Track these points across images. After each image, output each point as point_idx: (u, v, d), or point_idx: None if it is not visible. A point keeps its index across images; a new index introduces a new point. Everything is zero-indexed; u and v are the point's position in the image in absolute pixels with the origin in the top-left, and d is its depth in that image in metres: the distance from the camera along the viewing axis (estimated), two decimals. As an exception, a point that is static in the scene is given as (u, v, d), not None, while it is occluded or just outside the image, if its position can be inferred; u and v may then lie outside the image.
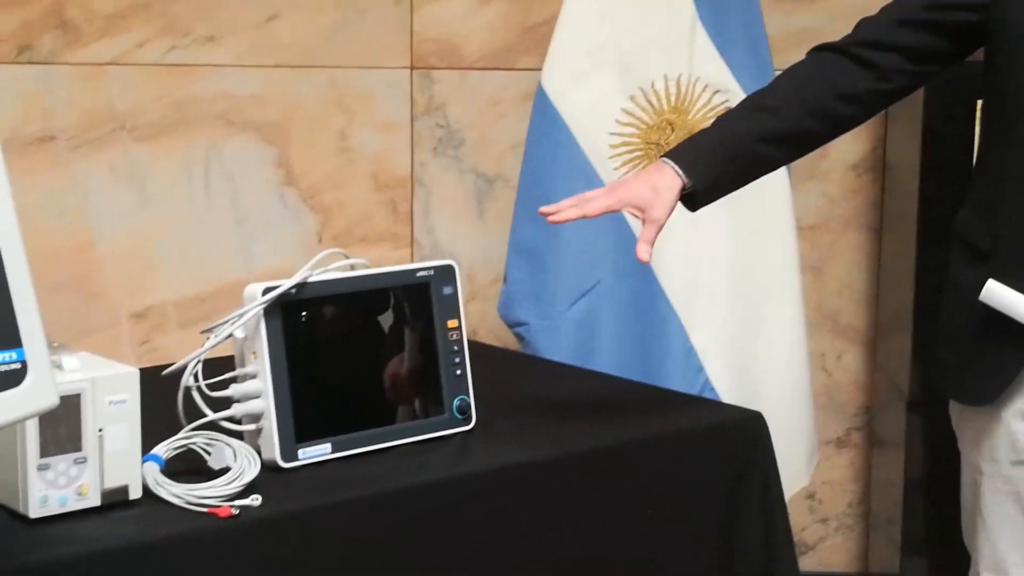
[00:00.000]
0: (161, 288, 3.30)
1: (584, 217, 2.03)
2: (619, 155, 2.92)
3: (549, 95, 2.91)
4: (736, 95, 2.89)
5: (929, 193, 2.84)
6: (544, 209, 2.04)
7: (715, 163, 2.07)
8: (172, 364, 1.86)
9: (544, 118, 2.92)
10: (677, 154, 2.08)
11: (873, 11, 3.17)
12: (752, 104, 2.14)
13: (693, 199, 2.08)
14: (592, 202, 2.04)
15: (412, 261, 3.36)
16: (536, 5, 3.31)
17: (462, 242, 3.42)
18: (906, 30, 2.09)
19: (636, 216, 2.05)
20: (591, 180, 2.88)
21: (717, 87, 2.91)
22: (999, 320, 2.03)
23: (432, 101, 3.37)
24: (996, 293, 2.01)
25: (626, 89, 2.90)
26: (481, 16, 3.33)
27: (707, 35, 2.88)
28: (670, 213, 2.05)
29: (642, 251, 2.03)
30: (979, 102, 2.72)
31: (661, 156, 2.09)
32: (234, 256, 3.34)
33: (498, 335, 3.30)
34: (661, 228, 2.04)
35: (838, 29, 3.21)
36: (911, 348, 2.97)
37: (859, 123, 2.18)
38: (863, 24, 2.15)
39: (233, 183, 3.32)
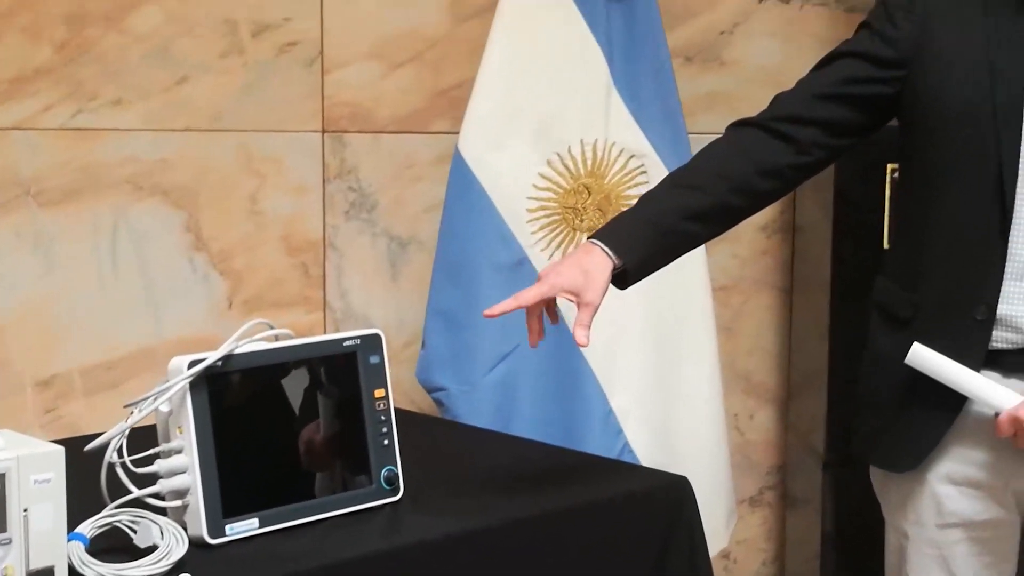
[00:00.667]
0: (67, 355, 3.23)
1: (519, 308, 2.03)
2: (536, 219, 2.93)
3: (466, 160, 2.91)
4: (651, 159, 2.92)
5: (841, 254, 2.89)
6: (485, 312, 2.03)
7: (643, 242, 2.08)
8: (79, 434, 1.82)
9: (461, 183, 2.92)
10: (605, 235, 2.09)
11: (776, 77, 3.27)
12: (676, 182, 2.16)
13: (623, 278, 2.09)
14: (526, 293, 2.05)
15: (325, 325, 3.34)
16: (448, 69, 3.32)
17: (376, 305, 3.39)
18: (823, 104, 2.13)
19: (570, 300, 2.04)
20: (509, 244, 2.89)
21: (632, 152, 2.93)
22: (922, 385, 2.06)
23: (344, 164, 3.35)
24: (921, 356, 2.04)
25: (543, 154, 2.92)
26: (393, 80, 3.33)
27: (622, 100, 2.91)
28: (603, 294, 2.05)
29: (580, 335, 2.03)
30: (889, 166, 2.80)
31: (589, 237, 2.10)
32: (142, 322, 3.29)
33: (413, 399, 3.28)
34: (596, 310, 2.04)
35: (744, 93, 3.29)
36: (825, 407, 3.00)
37: (780, 196, 2.22)
38: (780, 99, 2.18)
39: (141, 248, 3.27)
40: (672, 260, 2.16)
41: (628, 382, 2.95)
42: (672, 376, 2.98)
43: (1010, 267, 2.04)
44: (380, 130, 3.34)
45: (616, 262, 2.06)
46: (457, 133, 3.27)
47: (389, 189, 3.37)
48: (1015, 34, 2.03)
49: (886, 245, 2.84)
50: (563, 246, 2.94)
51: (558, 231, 2.94)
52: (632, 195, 2.94)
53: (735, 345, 3.42)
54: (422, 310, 3.30)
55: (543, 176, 2.92)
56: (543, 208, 2.93)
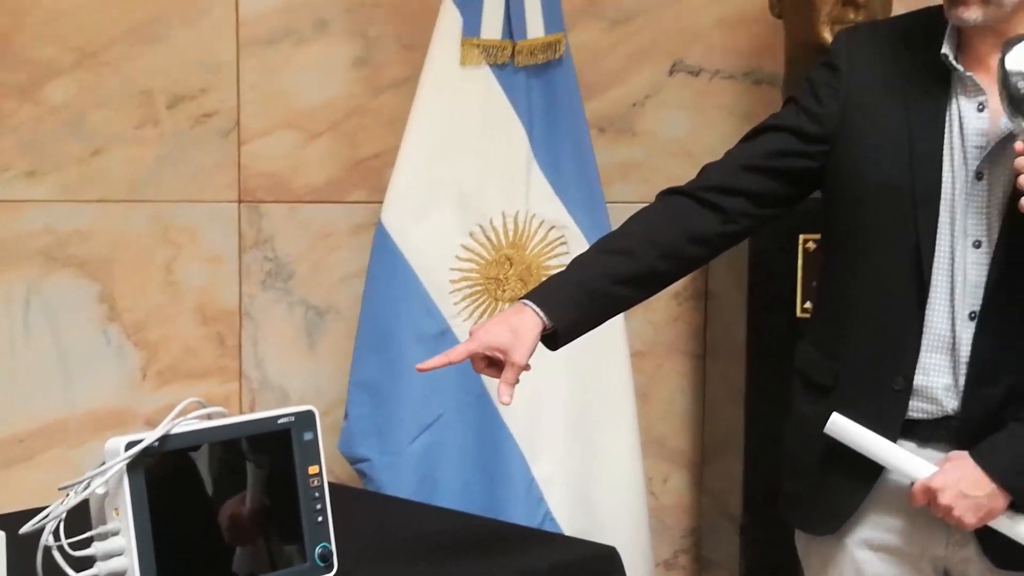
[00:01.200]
0: (-22, 428, 3.19)
1: (449, 363, 2.05)
2: (459, 290, 2.96)
3: (389, 231, 2.93)
4: (571, 231, 2.96)
5: (755, 321, 2.95)
6: (420, 366, 2.07)
7: (574, 305, 2.12)
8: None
9: (384, 254, 2.94)
10: (537, 296, 2.12)
11: (687, 147, 3.34)
12: (607, 247, 2.21)
13: (553, 339, 2.12)
14: (455, 349, 2.07)
15: (240, 395, 3.33)
16: (365, 139, 3.34)
17: (292, 375, 3.39)
18: (750, 176, 2.19)
19: (498, 359, 2.07)
20: (432, 315, 2.91)
21: (553, 223, 2.98)
22: (841, 452, 2.12)
23: (261, 234, 3.36)
24: (839, 426, 2.10)
25: (465, 225, 2.95)
26: (310, 150, 3.35)
27: (542, 172, 2.95)
28: (531, 355, 2.08)
29: (504, 393, 2.06)
30: (801, 236, 2.87)
31: (520, 298, 2.13)
32: (55, 394, 3.25)
33: (331, 468, 3.27)
34: (522, 370, 2.06)
35: (656, 163, 3.36)
36: (742, 470, 3.05)
37: (707, 262, 2.27)
38: (708, 169, 2.24)
39: (54, 320, 3.24)
40: (601, 323, 2.19)
41: (550, 450, 2.98)
42: (593, 443, 3.02)
43: (927, 339, 2.10)
44: (297, 200, 3.35)
45: (546, 323, 2.09)
46: (375, 203, 3.29)
47: (306, 258, 3.38)
48: (932, 115, 2.10)
49: (799, 313, 2.90)
50: (485, 316, 2.97)
51: (480, 302, 2.97)
52: (553, 266, 2.98)
53: (649, 410, 3.47)
54: (339, 379, 3.31)
55: (465, 247, 2.95)
56: (465, 279, 2.96)
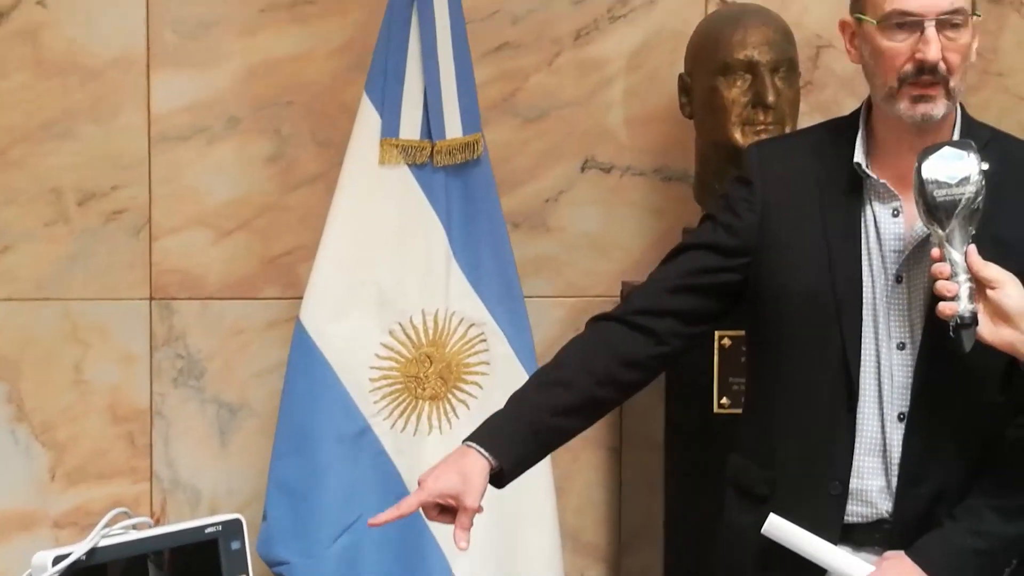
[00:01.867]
0: None
1: (401, 516, 2.06)
2: (379, 388, 2.95)
3: (308, 330, 2.92)
4: (490, 327, 2.98)
5: (672, 416, 2.97)
6: (372, 521, 2.07)
7: (518, 442, 2.13)
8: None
9: (303, 352, 2.93)
10: (480, 436, 2.12)
11: (599, 241, 3.38)
12: (544, 379, 2.22)
13: (500, 478, 2.12)
14: (406, 501, 2.07)
15: (151, 496, 3.28)
16: (279, 236, 3.34)
17: (204, 474, 3.35)
18: (675, 296, 2.22)
19: (450, 504, 2.07)
20: (351, 414, 2.90)
21: (472, 321, 2.99)
22: (780, 554, 2.14)
23: (172, 331, 3.33)
24: (777, 527, 2.12)
25: (385, 324, 2.95)
26: (222, 247, 3.33)
27: (461, 270, 2.96)
28: (482, 497, 2.08)
29: (460, 539, 2.06)
30: (717, 333, 2.91)
31: (463, 441, 2.13)
32: (-40, 497, 3.18)
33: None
34: (476, 513, 2.07)
35: (569, 258, 3.39)
36: (662, 562, 3.06)
37: (644, 385, 2.29)
38: (635, 294, 2.28)
39: (-40, 421, 3.18)
40: (546, 455, 2.22)
41: (471, 549, 2.95)
42: (513, 540, 3.01)
43: (859, 442, 2.14)
44: (209, 296, 3.33)
45: (493, 463, 2.09)
46: (288, 299, 3.29)
47: (218, 355, 3.35)
48: (848, 221, 2.16)
49: (716, 409, 2.94)
50: (406, 415, 2.97)
51: (400, 400, 2.96)
52: (472, 363, 2.99)
53: (564, 504, 3.46)
54: (252, 478, 3.29)
55: (385, 346, 2.95)
56: (385, 377, 2.95)
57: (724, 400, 2.95)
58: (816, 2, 3.40)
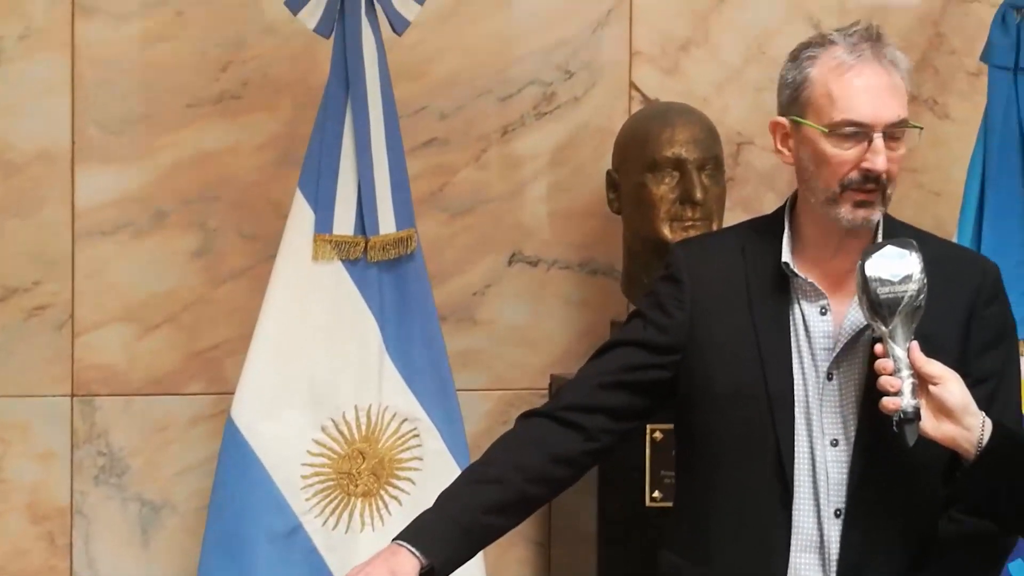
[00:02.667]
0: None
1: None
2: (311, 486, 2.92)
3: (239, 427, 2.89)
4: (424, 423, 2.96)
5: (605, 510, 2.98)
6: None
7: (449, 541, 2.11)
8: None
9: (234, 451, 2.89)
10: (411, 536, 2.10)
11: (526, 334, 3.40)
12: (474, 477, 2.21)
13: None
14: None
15: (71, 597, 3.21)
16: (204, 330, 3.31)
17: (126, 574, 3.28)
18: (605, 392, 2.23)
19: None
20: (283, 512, 2.87)
21: (405, 416, 2.97)
22: None
23: (94, 428, 3.27)
24: None
25: (317, 420, 2.92)
26: (146, 342, 3.29)
27: (394, 365, 2.95)
28: None
29: None
30: (648, 426, 2.93)
31: (394, 539, 2.11)
32: None
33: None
34: None
35: (496, 351, 3.40)
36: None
37: (575, 481, 2.28)
38: (565, 389, 2.28)
39: None
40: (477, 552, 2.21)
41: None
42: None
43: (796, 539, 2.15)
44: (133, 392, 3.28)
45: (423, 563, 2.07)
46: (213, 394, 3.26)
47: (141, 452, 3.29)
48: (777, 319, 2.18)
49: (648, 503, 2.95)
50: (337, 512, 2.93)
51: (332, 497, 2.93)
52: (405, 459, 2.97)
53: (492, 599, 3.45)
54: (176, 577, 3.24)
55: (317, 442, 2.93)
56: (317, 475, 2.92)
57: (656, 493, 2.96)
58: (736, 100, 3.49)
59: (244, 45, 3.31)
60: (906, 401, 1.98)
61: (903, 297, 2.00)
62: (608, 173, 3.19)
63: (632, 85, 3.48)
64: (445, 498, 2.18)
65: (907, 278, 2.00)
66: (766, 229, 2.25)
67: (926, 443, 2.02)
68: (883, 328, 2.01)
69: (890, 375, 2.00)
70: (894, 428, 1.98)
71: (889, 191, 2.13)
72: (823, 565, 2.14)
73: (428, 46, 3.37)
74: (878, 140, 2.09)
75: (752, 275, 2.21)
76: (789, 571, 2.15)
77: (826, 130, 2.10)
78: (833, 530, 2.14)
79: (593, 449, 2.23)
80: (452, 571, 2.14)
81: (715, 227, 3.05)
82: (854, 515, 2.13)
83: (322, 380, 2.92)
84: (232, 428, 2.89)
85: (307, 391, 2.92)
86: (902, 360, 2.00)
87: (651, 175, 3.05)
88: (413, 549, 2.07)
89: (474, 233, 3.41)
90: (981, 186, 3.13)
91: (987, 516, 2.08)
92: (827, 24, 3.50)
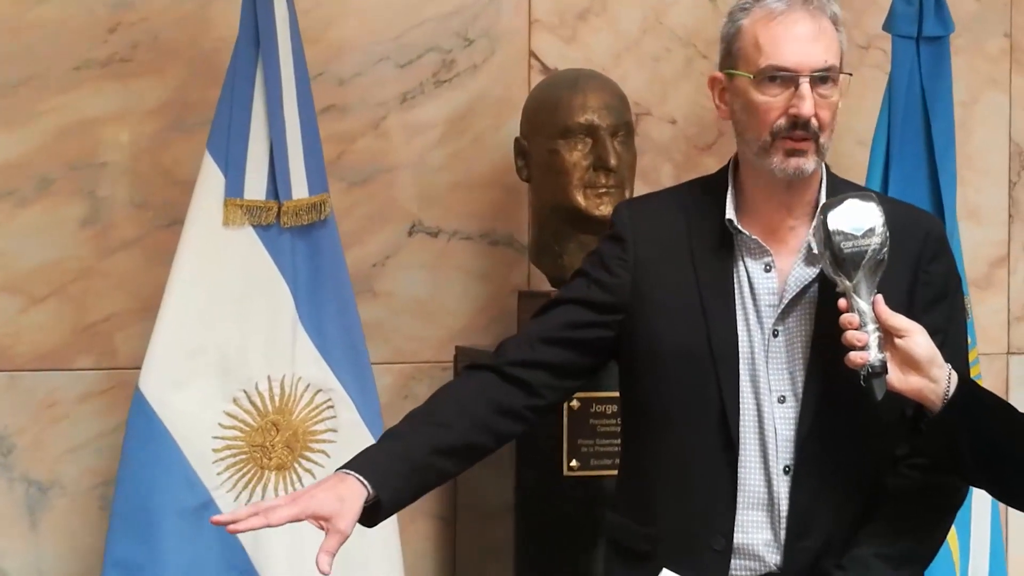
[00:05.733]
0: None
1: (268, 526, 1.95)
2: (222, 459, 2.82)
3: (148, 399, 2.77)
4: (338, 394, 2.89)
5: (523, 480, 2.94)
6: (218, 518, 1.95)
7: (396, 475, 2.07)
8: None
9: (142, 423, 2.77)
10: (359, 466, 2.05)
11: (427, 306, 3.34)
12: (420, 420, 2.17)
13: (373, 513, 2.05)
14: (276, 511, 1.97)
15: (-47, 584, 3.05)
16: (94, 303, 3.17)
17: (12, 556, 3.13)
18: (548, 348, 2.21)
19: (321, 527, 1.98)
20: (194, 487, 2.76)
21: (319, 386, 2.89)
22: None
23: (-22, 407, 3.12)
24: None
25: (228, 391, 2.82)
26: (31, 315, 3.14)
27: (307, 335, 2.87)
28: (354, 524, 2.00)
29: (323, 562, 1.97)
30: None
31: (339, 468, 2.05)
32: None
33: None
34: (345, 540, 1.98)
35: (396, 323, 3.34)
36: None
37: (518, 435, 2.27)
38: (508, 344, 2.25)
39: None
40: (420, 496, 2.15)
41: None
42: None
43: (743, 497, 2.15)
44: (18, 368, 3.13)
45: (371, 492, 2.02)
46: (104, 369, 3.14)
47: (28, 431, 3.14)
48: (721, 277, 2.18)
49: (566, 472, 2.92)
50: (251, 486, 2.84)
51: (245, 471, 2.83)
52: (319, 431, 2.89)
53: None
54: (66, 559, 3.12)
55: (229, 415, 2.82)
56: (229, 448, 2.82)
57: (573, 463, 2.93)
58: (634, 70, 3.48)
59: (133, 6, 3.18)
60: (873, 355, 1.98)
61: (867, 251, 2.00)
62: (516, 140, 3.15)
63: (531, 54, 3.44)
64: (392, 436, 2.14)
65: (870, 231, 2.00)
66: (709, 188, 2.25)
67: (870, 399, 2.02)
68: (847, 283, 2.01)
69: (855, 330, 1.99)
70: (861, 383, 1.98)
71: (823, 140, 2.13)
72: (771, 522, 2.15)
73: (324, 10, 3.29)
74: (804, 85, 2.09)
75: (696, 234, 2.20)
76: (736, 528, 2.15)
77: (752, 76, 2.11)
78: (782, 487, 2.14)
79: (536, 405, 2.21)
80: (396, 509, 2.09)
81: (627, 194, 3.03)
82: (803, 471, 2.14)
83: (233, 350, 2.82)
84: (140, 400, 2.78)
85: (218, 361, 2.81)
86: (867, 314, 2.00)
87: (563, 142, 3.02)
88: (361, 478, 2.02)
89: (373, 203, 3.34)
90: (886, 156, 3.17)
91: (950, 468, 2.10)
92: (720, -3, 3.54)
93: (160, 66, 3.20)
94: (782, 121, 2.11)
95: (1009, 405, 2.07)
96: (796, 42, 2.10)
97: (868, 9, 3.54)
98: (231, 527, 1.96)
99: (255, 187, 2.83)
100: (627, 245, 2.22)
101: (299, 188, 2.85)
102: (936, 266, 2.19)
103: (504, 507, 2.97)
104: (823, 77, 2.11)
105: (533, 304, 3.09)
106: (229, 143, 2.82)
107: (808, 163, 2.13)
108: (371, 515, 2.05)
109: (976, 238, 3.65)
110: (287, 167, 2.83)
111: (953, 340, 2.15)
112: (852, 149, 3.45)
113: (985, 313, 3.70)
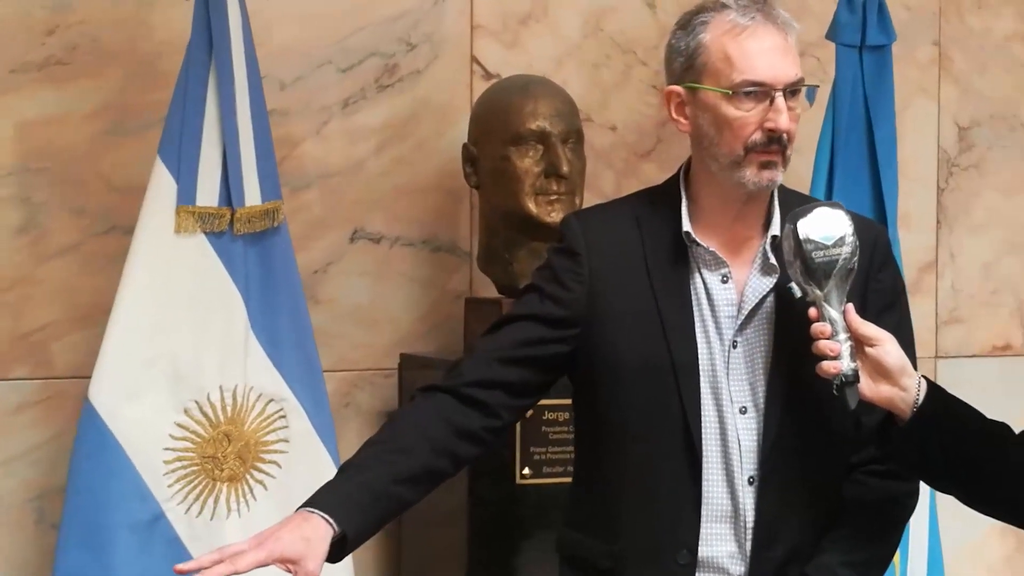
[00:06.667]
0: None
1: (235, 573, 1.90)
2: (173, 471, 2.76)
3: (99, 411, 2.71)
4: (290, 404, 2.85)
5: (476, 489, 2.92)
6: (182, 567, 1.90)
7: (361, 509, 2.03)
8: None
9: (93, 435, 2.71)
10: (321, 502, 2.01)
11: (369, 313, 3.30)
12: (381, 448, 2.12)
13: (341, 547, 2.01)
14: (242, 557, 1.92)
15: None
16: (30, 311, 3.09)
17: (-55, 574, 3.05)
18: (505, 367, 2.17)
19: (288, 571, 1.94)
20: (146, 500, 2.71)
21: (271, 396, 2.84)
22: None
23: (-92, 417, 3.02)
24: None
25: (180, 402, 2.76)
26: (-35, 324, 3.06)
27: (259, 344, 2.82)
28: (322, 565, 1.96)
29: None
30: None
31: (301, 506, 2.01)
32: None
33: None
34: None
35: (339, 330, 3.29)
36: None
37: (477, 459, 2.24)
38: (464, 365, 2.20)
39: None
40: (382, 527, 2.12)
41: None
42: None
43: (706, 510, 2.14)
44: (-50, 379, 3.05)
45: (336, 529, 1.98)
46: (40, 379, 3.08)
47: (-39, 444, 3.06)
48: (678, 289, 2.16)
49: (518, 480, 2.91)
50: (202, 498, 2.78)
51: (197, 483, 2.78)
52: (271, 441, 2.85)
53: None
54: None
55: (180, 425, 2.76)
56: (180, 460, 2.76)
57: (526, 471, 2.92)
58: (575, 76, 3.48)
59: (72, 8, 3.10)
60: (846, 364, 1.99)
61: (838, 259, 2.01)
62: (465, 146, 3.13)
63: (473, 59, 3.43)
64: (351, 468, 2.09)
65: (841, 240, 2.01)
66: (659, 199, 2.23)
67: (835, 405, 2.03)
68: (818, 292, 2.02)
69: (827, 339, 2.00)
70: (834, 392, 1.99)
71: (789, 151, 2.13)
72: (736, 534, 2.14)
73: (266, 14, 3.23)
74: (779, 99, 2.09)
75: (649, 245, 2.18)
76: (700, 542, 2.14)
77: (729, 92, 2.10)
78: (748, 498, 2.14)
79: (494, 426, 2.18)
80: (360, 543, 2.05)
81: (578, 201, 3.03)
82: (767, 482, 2.14)
83: (185, 359, 2.76)
84: (90, 411, 2.71)
85: (170, 371, 2.75)
86: (839, 323, 2.01)
87: (515, 148, 3.00)
88: (325, 515, 1.98)
89: (315, 209, 3.30)
90: (830, 164, 3.20)
91: (920, 475, 2.12)
92: (661, 2, 3.56)
93: (99, 69, 3.13)
94: (757, 135, 2.10)
95: (977, 412, 2.09)
96: (769, 56, 2.10)
97: (802, 17, 3.54)
98: (180, 567, 1.91)
99: (207, 194, 2.77)
100: (580, 258, 2.19)
101: (252, 195, 2.80)
102: (884, 274, 2.21)
103: (455, 515, 2.95)
104: (794, 90, 2.12)
105: (480, 311, 3.10)
106: (181, 149, 2.77)
107: (778, 175, 2.14)
108: (336, 551, 2.01)
109: (906, 244, 3.69)
110: (240, 173, 2.78)
111: (903, 346, 2.16)
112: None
113: (914, 317, 3.71)
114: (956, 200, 3.85)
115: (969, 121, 3.85)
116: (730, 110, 2.11)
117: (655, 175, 3.53)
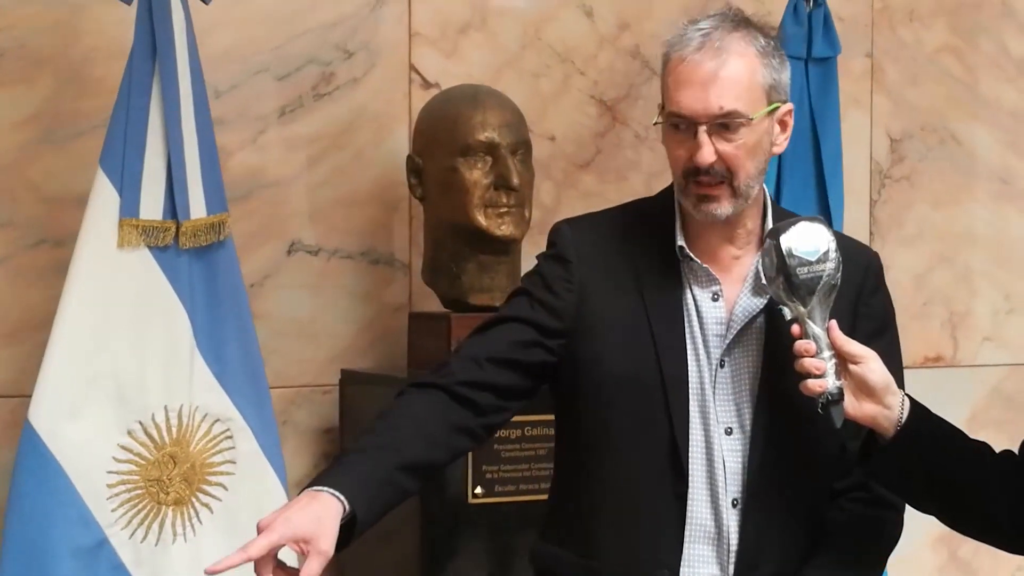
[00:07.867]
0: None
1: (248, 560, 1.84)
2: (117, 495, 2.65)
3: (39, 432, 2.59)
4: (236, 423, 2.75)
5: (428, 508, 2.84)
6: (208, 568, 1.83)
7: (368, 491, 1.96)
8: None
9: (33, 457, 2.59)
10: (333, 481, 1.94)
11: (308, 327, 3.22)
12: (377, 438, 2.07)
13: (350, 529, 1.94)
14: (253, 543, 1.85)
15: None
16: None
17: None
18: (496, 369, 2.13)
19: (300, 550, 1.87)
20: (88, 525, 2.60)
21: (217, 416, 2.74)
22: None
23: None
24: None
25: (124, 423, 2.66)
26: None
27: (204, 361, 2.72)
28: (335, 543, 1.89)
29: None
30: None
31: (308, 486, 1.94)
32: None
33: None
34: (327, 561, 1.88)
35: (275, 345, 3.22)
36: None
37: (467, 452, 2.26)
38: (454, 363, 2.16)
39: None
40: (384, 515, 2.04)
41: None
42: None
43: (689, 530, 2.11)
44: None
45: (347, 509, 1.91)
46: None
47: None
48: (670, 304, 2.13)
49: (470, 499, 2.84)
50: (146, 523, 2.68)
51: (141, 507, 2.67)
52: (217, 462, 2.75)
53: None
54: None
55: (124, 447, 2.65)
56: (124, 483, 2.66)
57: (478, 490, 2.85)
58: (514, 85, 3.41)
59: (-1, 12, 2.99)
60: (831, 382, 1.97)
61: (821, 276, 1.98)
62: (409, 157, 3.07)
63: (412, 67, 3.36)
64: (352, 455, 2.02)
65: (824, 256, 1.99)
66: (652, 212, 2.20)
67: (821, 428, 2.02)
68: (801, 309, 1.99)
69: (812, 357, 1.98)
70: (819, 410, 1.96)
71: (737, 183, 2.08)
72: (719, 556, 2.11)
73: (200, 19, 3.09)
74: (701, 133, 2.05)
75: (641, 258, 2.16)
76: (682, 563, 2.11)
77: (660, 122, 2.10)
78: (731, 520, 2.11)
79: (487, 424, 2.15)
80: (368, 527, 1.98)
81: (527, 213, 2.98)
82: (752, 504, 2.11)
83: (129, 378, 2.65)
84: (30, 432, 2.59)
85: (112, 390, 2.64)
86: (822, 340, 1.98)
87: (463, 160, 2.94)
88: (337, 493, 1.91)
89: (251, 220, 3.20)
90: (777, 176, 3.19)
91: (901, 494, 2.10)
92: (598, 12, 3.53)
93: (27, 76, 3.02)
94: (688, 166, 2.08)
95: (959, 431, 2.08)
96: (692, 88, 2.05)
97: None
98: (209, 568, 1.83)
99: (151, 206, 2.67)
100: (571, 266, 2.16)
101: (197, 207, 2.71)
102: (875, 299, 2.20)
103: (401, 533, 2.87)
104: (723, 123, 2.06)
105: (424, 325, 3.04)
106: (124, 160, 2.66)
107: (721, 207, 2.09)
108: (344, 535, 1.93)
109: (839, 255, 3.70)
110: (185, 185, 2.68)
111: (892, 372, 2.14)
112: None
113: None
114: (888, 212, 3.87)
115: (901, 133, 3.87)
116: (668, 140, 2.11)
117: (594, 186, 3.53)
